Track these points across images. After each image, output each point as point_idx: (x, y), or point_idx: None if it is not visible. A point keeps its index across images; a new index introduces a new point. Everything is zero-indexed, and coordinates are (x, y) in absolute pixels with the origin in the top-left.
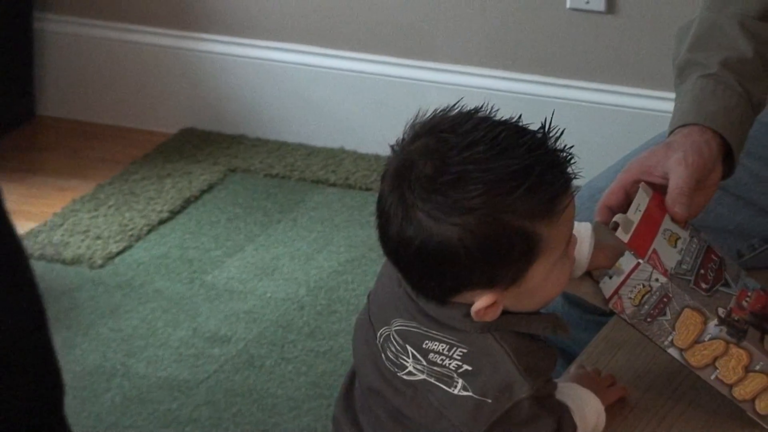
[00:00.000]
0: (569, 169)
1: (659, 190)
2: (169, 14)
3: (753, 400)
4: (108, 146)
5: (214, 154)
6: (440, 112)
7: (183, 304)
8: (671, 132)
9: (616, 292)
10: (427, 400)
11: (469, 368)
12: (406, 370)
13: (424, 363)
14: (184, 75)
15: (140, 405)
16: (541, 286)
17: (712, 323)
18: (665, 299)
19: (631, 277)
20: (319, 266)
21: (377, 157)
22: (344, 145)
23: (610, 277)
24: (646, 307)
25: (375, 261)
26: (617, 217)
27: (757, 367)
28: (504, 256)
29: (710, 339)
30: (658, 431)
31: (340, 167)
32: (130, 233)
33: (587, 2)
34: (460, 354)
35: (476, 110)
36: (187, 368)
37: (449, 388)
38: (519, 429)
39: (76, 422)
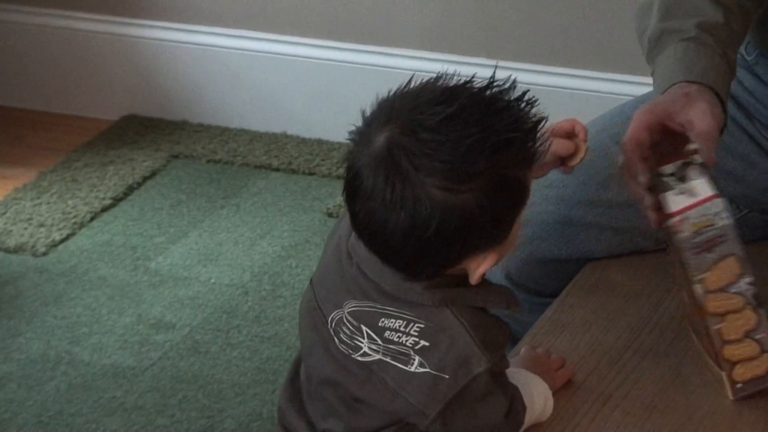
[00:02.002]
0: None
1: (675, 136)
2: (110, 1)
3: (735, 364)
4: (50, 134)
5: (157, 141)
6: (400, 91)
7: (127, 291)
8: (665, 90)
9: (683, 211)
10: (382, 381)
11: (426, 344)
12: (361, 351)
13: (380, 342)
14: (125, 61)
15: (85, 392)
16: (513, 236)
17: (745, 280)
18: (720, 239)
19: (703, 205)
20: (263, 251)
21: (320, 142)
22: (287, 130)
23: (678, 194)
24: (700, 238)
25: (318, 245)
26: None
27: (757, 336)
28: (510, 210)
29: (734, 292)
30: (602, 412)
31: (283, 152)
32: (73, 221)
33: None
34: (417, 329)
35: (437, 79)
36: (132, 355)
37: (405, 366)
38: (474, 406)
39: (21, 410)
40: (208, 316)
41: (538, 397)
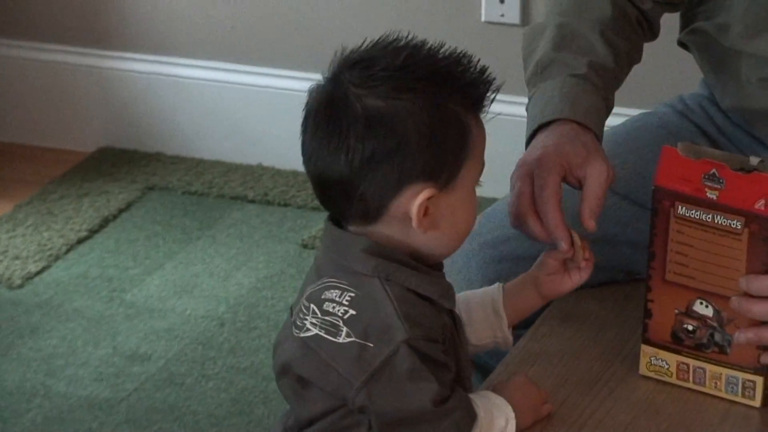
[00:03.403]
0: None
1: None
2: (83, 33)
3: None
4: (26, 166)
5: (132, 173)
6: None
7: (103, 322)
8: (546, 123)
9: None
10: (317, 356)
11: (354, 312)
12: (305, 328)
13: (319, 315)
14: (100, 94)
15: (61, 424)
16: (462, 206)
17: None
18: None
19: None
20: (239, 283)
21: (295, 173)
22: (262, 161)
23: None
24: None
25: (294, 276)
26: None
27: None
28: (445, 139)
29: None
30: None
31: (259, 183)
32: (48, 253)
33: (502, 15)
34: (349, 299)
35: (377, 40)
36: (108, 387)
37: (335, 338)
38: (399, 383)
39: None
40: (184, 347)
41: (498, 414)
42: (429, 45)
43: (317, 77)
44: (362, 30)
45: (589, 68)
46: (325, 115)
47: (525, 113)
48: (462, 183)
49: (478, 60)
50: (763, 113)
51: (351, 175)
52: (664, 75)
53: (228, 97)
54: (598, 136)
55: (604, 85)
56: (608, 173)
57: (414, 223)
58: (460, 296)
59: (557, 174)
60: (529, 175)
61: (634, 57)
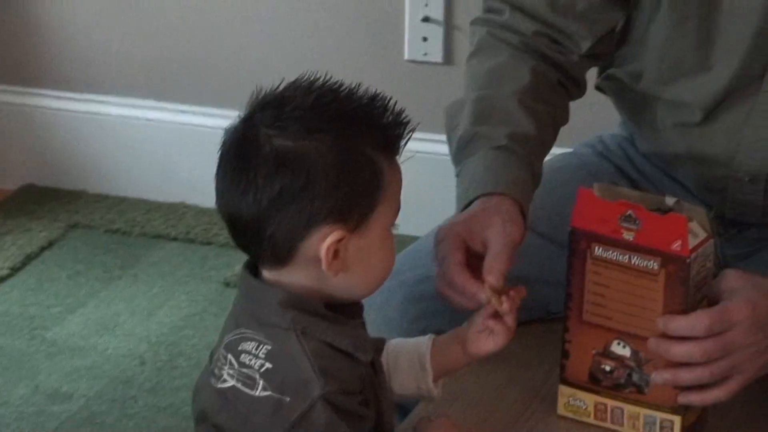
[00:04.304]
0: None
1: (476, 256)
2: (5, 71)
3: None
4: None
5: (55, 211)
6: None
7: (24, 361)
8: (472, 200)
9: (695, 249)
10: (234, 407)
11: (270, 366)
12: (222, 378)
13: (236, 366)
14: (23, 131)
15: None
16: (377, 249)
17: None
18: (705, 281)
19: (705, 245)
20: (161, 321)
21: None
22: (185, 199)
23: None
24: (699, 277)
25: (216, 315)
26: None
27: None
28: (355, 182)
29: None
30: None
31: (181, 222)
32: None
33: (425, 54)
34: (265, 351)
35: (297, 79)
36: (29, 426)
37: (252, 390)
38: None
39: None
40: (105, 386)
41: None
42: (344, 86)
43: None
44: (285, 68)
45: (510, 139)
46: (236, 154)
47: (446, 151)
48: (375, 225)
49: (395, 102)
50: (679, 157)
51: (259, 215)
52: (585, 116)
53: (150, 135)
54: (523, 203)
55: (527, 154)
56: (512, 235)
57: (323, 265)
58: (391, 343)
59: (454, 246)
60: (436, 256)
61: (560, 119)
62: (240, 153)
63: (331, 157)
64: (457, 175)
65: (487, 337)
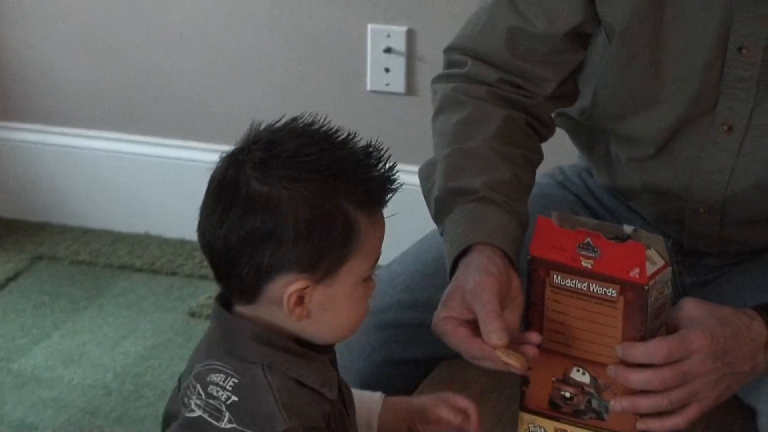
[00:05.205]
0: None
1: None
2: None
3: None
4: None
5: (20, 242)
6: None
7: None
8: (455, 260)
9: (653, 276)
10: None
11: (236, 399)
12: (190, 408)
13: (203, 397)
14: None
15: None
16: (347, 299)
17: None
18: (664, 307)
19: (662, 272)
20: (126, 352)
21: (183, 242)
22: (149, 230)
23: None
24: (657, 304)
25: (182, 345)
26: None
27: None
28: (325, 234)
29: None
30: None
31: (146, 252)
32: None
33: (387, 84)
34: (232, 384)
35: (295, 119)
36: None
37: (217, 422)
38: None
39: None
40: (71, 417)
41: None
42: (340, 133)
43: (204, 146)
44: (250, 99)
45: (486, 188)
46: (217, 187)
47: (409, 181)
48: (345, 277)
49: (389, 156)
50: (634, 190)
51: (228, 251)
52: (545, 147)
53: (115, 167)
54: (505, 247)
55: (506, 199)
56: (491, 286)
57: (285, 311)
58: None
59: (453, 318)
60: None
61: (534, 159)
62: (221, 187)
63: (303, 208)
64: (442, 235)
65: None
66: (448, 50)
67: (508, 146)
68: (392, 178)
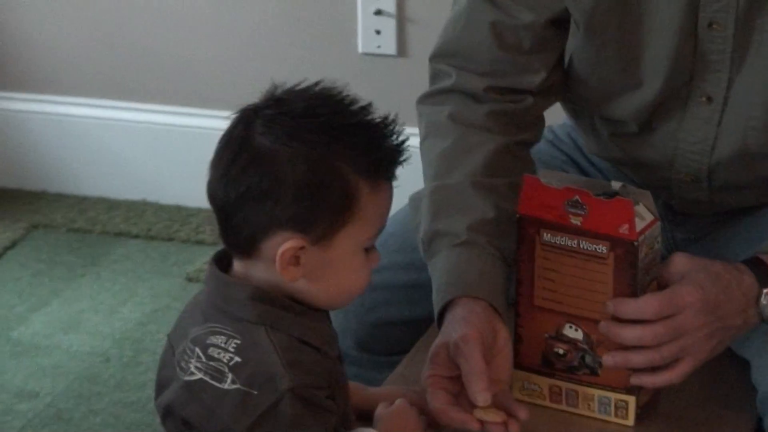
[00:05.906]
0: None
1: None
2: None
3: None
4: None
5: (16, 211)
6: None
7: None
8: (441, 308)
9: (642, 232)
10: (200, 400)
11: (239, 360)
12: (189, 371)
13: (204, 359)
14: None
15: None
16: (344, 266)
17: None
18: (654, 262)
19: (651, 228)
20: (124, 318)
21: (178, 208)
22: (146, 197)
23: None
24: (648, 259)
25: (179, 310)
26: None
27: None
28: (321, 197)
29: None
30: None
31: (142, 219)
32: None
33: (379, 46)
34: (234, 345)
35: (316, 83)
36: None
37: (220, 383)
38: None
39: None
40: (70, 383)
41: None
42: (359, 102)
43: (197, 112)
44: (240, 63)
45: (470, 231)
46: (225, 142)
47: None
48: (343, 242)
49: (402, 129)
50: (621, 161)
51: (227, 205)
52: None
53: (110, 134)
54: (489, 299)
55: (491, 239)
56: (473, 341)
57: (277, 268)
58: None
59: (438, 375)
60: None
61: (517, 181)
62: (228, 141)
63: (301, 167)
64: (431, 275)
65: None
66: (432, 59)
67: (492, 178)
68: (402, 150)
